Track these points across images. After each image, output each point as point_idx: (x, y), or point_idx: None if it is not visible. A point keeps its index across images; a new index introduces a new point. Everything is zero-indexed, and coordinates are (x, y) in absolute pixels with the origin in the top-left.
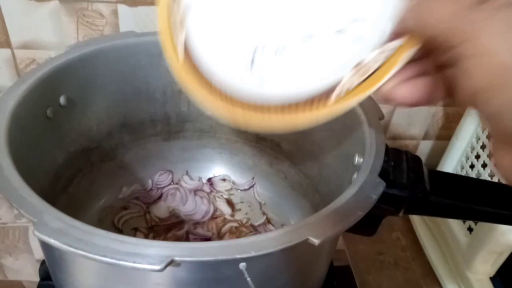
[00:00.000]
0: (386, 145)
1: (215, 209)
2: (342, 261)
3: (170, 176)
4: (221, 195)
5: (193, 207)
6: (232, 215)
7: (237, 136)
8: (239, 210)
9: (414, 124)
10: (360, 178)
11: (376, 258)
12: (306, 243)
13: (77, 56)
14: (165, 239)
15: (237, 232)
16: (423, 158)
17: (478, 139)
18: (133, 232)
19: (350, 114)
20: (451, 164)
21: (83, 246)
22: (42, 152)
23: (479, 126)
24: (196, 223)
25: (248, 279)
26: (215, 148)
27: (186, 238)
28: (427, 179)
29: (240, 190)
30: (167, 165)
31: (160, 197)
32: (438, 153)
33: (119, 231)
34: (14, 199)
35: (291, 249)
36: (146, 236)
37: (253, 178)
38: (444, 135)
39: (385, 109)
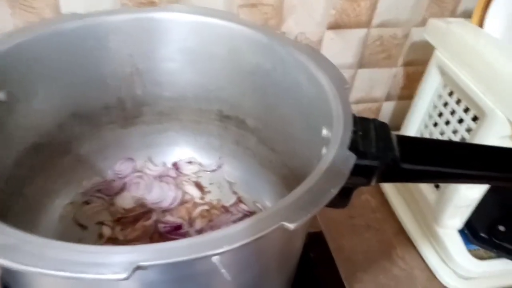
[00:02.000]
0: (353, 115)
1: (184, 194)
2: (314, 228)
3: (132, 164)
4: (189, 179)
5: (159, 195)
6: (202, 198)
7: (200, 116)
8: (209, 192)
9: (375, 87)
10: (330, 154)
11: (348, 222)
12: (281, 228)
13: (14, 45)
14: (133, 230)
15: (208, 215)
16: (387, 120)
17: (440, 97)
18: (99, 226)
19: (314, 86)
20: (415, 123)
21: (37, 261)
22: None
23: (440, 84)
24: (165, 211)
25: (223, 270)
26: (177, 131)
27: (155, 227)
28: (397, 146)
29: (208, 171)
30: (128, 153)
31: (123, 188)
32: (401, 113)
33: (83, 227)
34: None
35: (266, 236)
36: (113, 229)
37: (220, 158)
38: (406, 94)
39: (346, 74)
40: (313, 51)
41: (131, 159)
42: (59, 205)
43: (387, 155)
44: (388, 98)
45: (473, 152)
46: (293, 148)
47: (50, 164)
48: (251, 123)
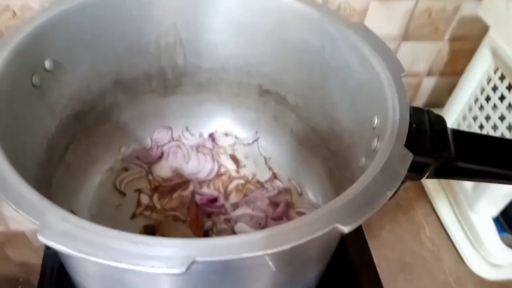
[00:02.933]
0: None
1: (220, 166)
2: None
3: (170, 132)
4: (224, 151)
5: (196, 166)
6: (237, 172)
7: (239, 89)
8: (244, 166)
9: (418, 61)
10: (385, 150)
11: None
12: (334, 230)
13: (59, 13)
14: (171, 200)
15: (243, 190)
16: (426, 96)
17: (489, 80)
18: (137, 193)
19: (367, 70)
20: (459, 105)
21: (95, 251)
22: (32, 124)
23: (491, 67)
24: (201, 182)
25: (270, 263)
26: (215, 102)
27: (191, 198)
28: (452, 142)
29: (244, 144)
30: (166, 122)
31: (161, 156)
32: (442, 90)
33: (122, 193)
34: (11, 199)
35: (318, 237)
36: (150, 198)
37: (256, 132)
38: (449, 71)
39: (391, 44)
40: (367, 32)
41: (169, 127)
42: (100, 171)
43: (442, 152)
44: (430, 73)
45: None
46: (337, 131)
47: (91, 131)
48: (291, 100)
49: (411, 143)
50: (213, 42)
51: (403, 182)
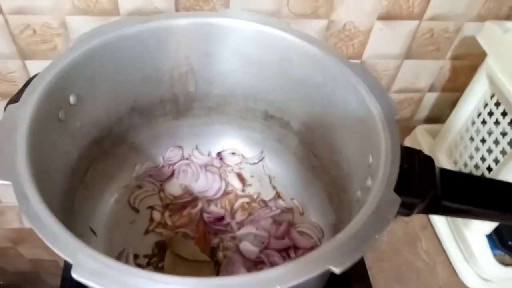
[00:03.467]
0: (400, 146)
1: (227, 184)
2: None
3: (180, 151)
4: (232, 169)
5: (205, 184)
6: (243, 190)
7: (246, 113)
8: (250, 185)
9: (420, 78)
10: (376, 193)
11: None
12: (327, 271)
13: (83, 52)
14: (181, 217)
15: (249, 208)
16: (427, 110)
17: (492, 95)
18: (150, 210)
19: (363, 109)
20: (456, 126)
21: None
22: (58, 155)
23: (487, 93)
24: (209, 200)
25: None
26: (223, 124)
27: (200, 216)
28: (439, 182)
29: (250, 164)
30: (177, 142)
31: (172, 174)
32: (444, 104)
33: (136, 210)
34: (48, 238)
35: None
36: (162, 215)
37: (262, 152)
38: (451, 87)
39: (392, 64)
40: (365, 73)
41: (180, 147)
42: (115, 189)
43: (429, 192)
44: (431, 89)
45: None
46: (336, 160)
47: (108, 153)
48: (295, 126)
49: (400, 184)
50: (222, 72)
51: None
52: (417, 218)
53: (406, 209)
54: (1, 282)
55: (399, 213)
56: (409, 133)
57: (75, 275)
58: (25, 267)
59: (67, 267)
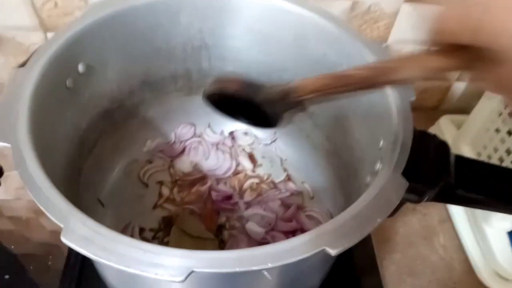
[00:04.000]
0: (414, 129)
1: (237, 164)
2: None
3: (193, 129)
4: (243, 149)
5: (215, 162)
6: (253, 171)
7: None
8: (261, 165)
9: None
10: (383, 176)
11: None
12: (322, 252)
13: (94, 21)
14: (189, 194)
15: (257, 189)
16: (454, 100)
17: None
18: (159, 185)
19: (378, 91)
20: (488, 108)
21: (108, 255)
22: (65, 123)
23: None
24: (219, 179)
25: (266, 273)
26: None
27: (208, 193)
28: (454, 169)
29: (262, 144)
30: (190, 119)
31: (183, 151)
32: (471, 95)
33: (145, 185)
34: (40, 202)
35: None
36: (171, 190)
37: (274, 133)
38: None
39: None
40: (385, 52)
41: (192, 124)
42: (126, 162)
43: (441, 179)
44: (459, 78)
45: None
46: (349, 143)
47: (119, 126)
48: (308, 107)
49: (410, 168)
50: (237, 48)
51: (402, 204)
52: (435, 212)
53: (416, 195)
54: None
55: (407, 199)
56: (434, 123)
57: (64, 239)
58: (46, 238)
59: None
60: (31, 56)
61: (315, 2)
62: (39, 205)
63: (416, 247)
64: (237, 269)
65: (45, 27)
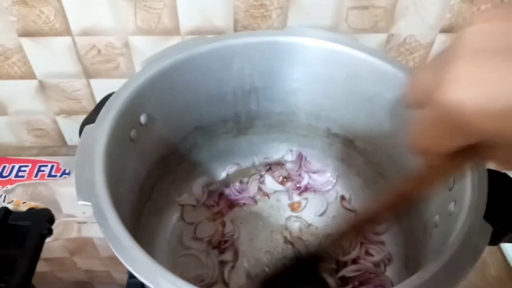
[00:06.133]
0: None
1: None
2: None
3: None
4: None
5: None
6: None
7: (306, 131)
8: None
9: None
10: (465, 222)
11: None
12: None
13: (154, 73)
14: None
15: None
16: None
17: None
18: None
19: None
20: None
21: None
22: (129, 173)
23: None
24: None
25: None
26: (282, 142)
27: None
28: None
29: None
30: (235, 159)
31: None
32: None
33: None
34: (128, 262)
35: None
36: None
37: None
38: None
39: None
40: None
41: (237, 164)
42: (177, 206)
43: None
44: None
45: None
46: None
47: (172, 171)
48: (360, 144)
49: (488, 211)
50: (286, 90)
51: None
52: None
53: (494, 238)
54: None
55: None
56: None
57: None
58: (80, 277)
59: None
60: (96, 111)
61: (352, 36)
62: (127, 266)
63: (469, 281)
64: None
65: (87, 74)
